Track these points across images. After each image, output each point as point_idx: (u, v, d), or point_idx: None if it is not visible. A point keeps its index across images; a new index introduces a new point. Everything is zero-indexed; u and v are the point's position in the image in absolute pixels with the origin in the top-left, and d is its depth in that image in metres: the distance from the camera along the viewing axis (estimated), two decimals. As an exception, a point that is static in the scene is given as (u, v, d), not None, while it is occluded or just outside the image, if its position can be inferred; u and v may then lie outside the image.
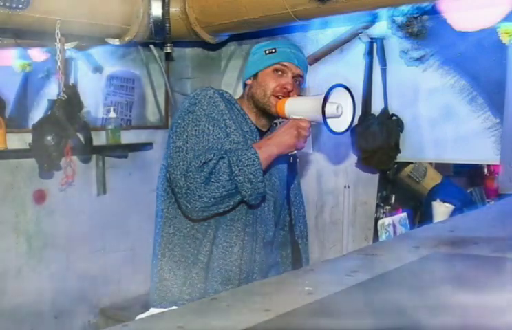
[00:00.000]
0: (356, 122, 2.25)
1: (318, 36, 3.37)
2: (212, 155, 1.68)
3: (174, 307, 1.70)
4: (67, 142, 2.87)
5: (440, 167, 3.01)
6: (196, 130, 1.73)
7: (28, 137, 2.90)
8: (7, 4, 2.52)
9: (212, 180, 1.65)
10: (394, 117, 3.09)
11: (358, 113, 2.95)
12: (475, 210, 2.48)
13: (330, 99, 1.71)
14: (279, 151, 1.76)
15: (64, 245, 3.27)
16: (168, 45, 3.18)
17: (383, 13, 2.97)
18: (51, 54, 3.21)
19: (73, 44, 3.23)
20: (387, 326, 0.78)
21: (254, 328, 0.75)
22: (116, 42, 3.15)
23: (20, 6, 2.55)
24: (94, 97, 3.55)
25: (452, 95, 2.93)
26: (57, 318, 3.27)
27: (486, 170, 2.83)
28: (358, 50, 3.24)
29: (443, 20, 2.83)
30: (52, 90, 3.18)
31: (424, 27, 2.96)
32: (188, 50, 3.85)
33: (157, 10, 3.11)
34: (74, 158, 3.07)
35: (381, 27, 3.10)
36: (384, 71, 3.13)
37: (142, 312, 1.90)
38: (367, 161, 3.15)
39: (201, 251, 1.82)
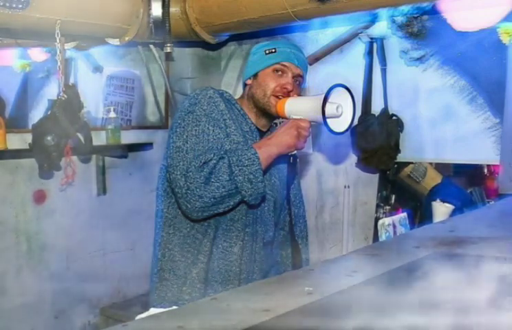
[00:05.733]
0: (356, 122, 2.25)
1: (318, 36, 3.37)
2: (212, 155, 1.68)
3: (174, 307, 1.70)
4: (67, 142, 2.87)
5: (440, 167, 3.01)
6: (196, 130, 1.73)
7: (28, 137, 2.90)
8: (7, 4, 2.51)
9: (212, 180, 1.65)
10: (394, 117, 3.09)
11: (358, 113, 2.95)
12: (475, 210, 2.48)
13: (330, 99, 1.71)
14: (279, 151, 1.76)
15: (64, 245, 3.27)
16: (168, 45, 3.18)
17: (383, 13, 2.97)
18: (51, 54, 3.21)
19: (73, 44, 3.22)
20: (387, 326, 0.78)
21: (254, 328, 0.75)
22: (116, 42, 3.15)
23: (20, 6, 2.55)
24: (94, 97, 3.55)
25: (452, 95, 2.94)
26: (57, 318, 3.27)
27: (486, 170, 2.83)
28: (358, 50, 3.24)
29: (443, 20, 2.83)
30: (52, 90, 3.18)
31: (424, 27, 2.96)
32: (188, 50, 3.85)
33: (157, 10, 3.11)
34: (74, 158, 3.07)
35: (381, 27, 3.10)
36: (384, 71, 3.13)
37: (142, 312, 1.90)
38: (367, 161, 3.15)
39: (201, 251, 1.82)
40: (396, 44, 3.09)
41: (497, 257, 1.12)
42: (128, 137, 3.54)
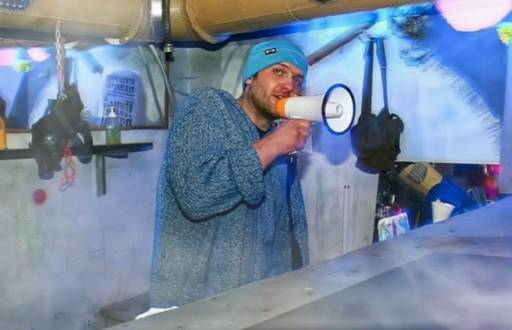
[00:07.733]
0: (356, 122, 2.25)
1: (318, 36, 3.37)
2: (212, 155, 1.68)
3: (174, 307, 1.70)
4: (67, 142, 2.87)
5: (440, 167, 3.01)
6: (196, 130, 1.73)
7: (28, 137, 2.90)
8: (7, 4, 2.51)
9: (212, 180, 1.65)
10: (394, 117, 3.09)
11: (358, 113, 2.95)
12: (475, 210, 2.48)
13: (330, 99, 1.71)
14: (279, 151, 1.76)
15: (64, 245, 3.26)
16: (168, 45, 3.18)
17: (383, 13, 2.97)
18: (51, 54, 3.21)
19: (73, 44, 3.22)
20: (387, 327, 0.78)
21: (254, 328, 0.75)
22: (116, 42, 3.15)
23: (20, 6, 2.55)
24: (94, 97, 3.55)
25: (452, 95, 2.94)
26: (57, 318, 3.26)
27: (486, 170, 2.83)
28: (358, 50, 3.24)
29: (443, 20, 2.83)
30: (52, 90, 3.18)
31: (424, 27, 2.96)
32: (188, 50, 3.85)
33: (157, 10, 3.11)
34: (74, 158, 3.07)
35: (381, 27, 3.10)
36: (384, 71, 3.13)
37: (142, 312, 1.90)
38: (367, 161, 3.15)
39: (201, 251, 1.82)
40: (396, 44, 3.09)
41: (498, 257, 1.12)
42: (128, 137, 3.54)
